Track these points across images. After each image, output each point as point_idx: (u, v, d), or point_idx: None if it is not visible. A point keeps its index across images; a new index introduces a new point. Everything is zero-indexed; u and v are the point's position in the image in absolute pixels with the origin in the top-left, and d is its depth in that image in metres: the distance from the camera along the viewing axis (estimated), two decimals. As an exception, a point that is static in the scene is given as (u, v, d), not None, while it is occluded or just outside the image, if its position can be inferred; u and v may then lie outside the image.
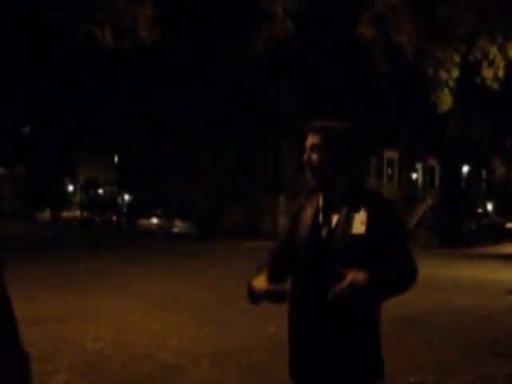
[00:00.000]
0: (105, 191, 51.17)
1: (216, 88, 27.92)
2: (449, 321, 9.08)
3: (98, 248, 22.59)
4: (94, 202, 46.73)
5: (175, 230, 32.14)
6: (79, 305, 9.75)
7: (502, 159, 45.03)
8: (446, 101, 23.11)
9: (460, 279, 14.74)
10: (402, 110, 30.90)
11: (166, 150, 36.32)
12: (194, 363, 6.25)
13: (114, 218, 38.37)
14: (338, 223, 2.57)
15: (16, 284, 8.99)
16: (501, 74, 22.43)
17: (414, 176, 42.74)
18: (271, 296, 2.55)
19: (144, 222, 34.41)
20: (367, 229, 2.49)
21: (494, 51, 22.17)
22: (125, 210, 41.85)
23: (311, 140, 2.61)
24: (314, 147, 2.60)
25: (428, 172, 43.68)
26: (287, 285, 2.61)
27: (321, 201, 2.67)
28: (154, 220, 34.00)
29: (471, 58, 22.58)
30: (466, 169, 45.24)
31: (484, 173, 47.71)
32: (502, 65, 22.19)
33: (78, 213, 44.09)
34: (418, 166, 42.59)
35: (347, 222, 2.54)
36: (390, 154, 38.49)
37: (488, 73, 22.44)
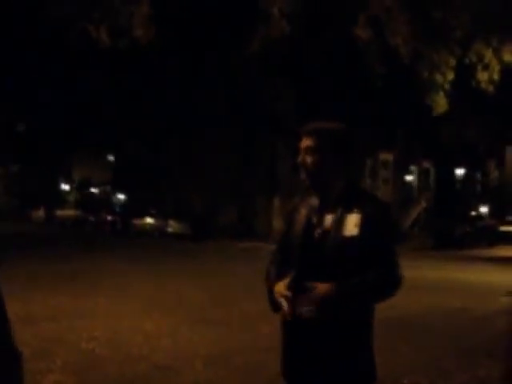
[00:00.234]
0: (99, 190, 51.14)
1: (215, 88, 27.92)
2: (442, 322, 9.11)
3: (92, 247, 22.56)
4: (89, 201, 46.69)
5: (169, 229, 32.14)
6: (73, 304, 9.72)
7: (497, 162, 45.19)
8: (441, 103, 23.15)
9: (453, 281, 14.78)
10: (398, 112, 30.97)
11: (163, 149, 36.28)
12: (188, 364, 6.24)
13: (109, 217, 38.34)
14: (331, 224, 2.57)
15: (10, 283, 8.99)
16: (496, 77, 22.49)
17: (409, 178, 42.86)
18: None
19: (138, 221, 34.40)
20: (360, 231, 2.50)
21: (489, 55, 22.21)
22: (119, 210, 41.83)
23: (305, 142, 2.62)
24: (308, 149, 2.61)
25: (423, 174, 43.80)
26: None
27: (315, 201, 2.67)
28: (149, 220, 33.98)
29: (466, 61, 22.64)
30: (460, 171, 45.36)
31: (478, 175, 47.86)
32: (497, 68, 22.24)
33: (72, 212, 44.03)
34: (413, 168, 42.72)
35: (340, 223, 2.54)
36: (385, 156, 38.59)
37: (483, 76, 22.49)
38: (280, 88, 26.78)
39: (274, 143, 30.40)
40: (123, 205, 44.51)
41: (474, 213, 42.58)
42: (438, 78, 22.13)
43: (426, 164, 43.05)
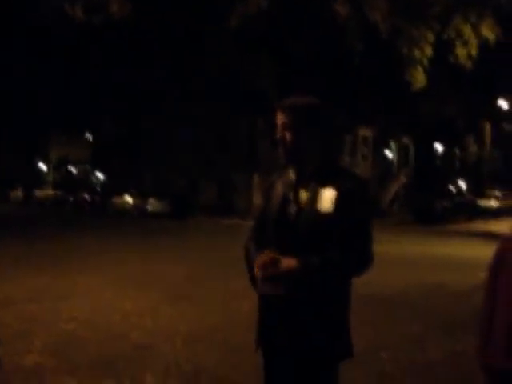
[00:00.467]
0: (78, 170, 50.69)
1: (191, 64, 27.63)
2: (421, 298, 9.19)
3: (71, 227, 22.41)
4: (67, 181, 46.27)
5: (149, 208, 32.00)
6: (52, 284, 9.65)
7: (475, 138, 45.52)
8: (419, 79, 23.23)
9: (432, 256, 14.92)
10: (377, 88, 30.96)
11: (141, 128, 35.98)
12: (167, 342, 6.24)
13: (88, 196, 38.06)
14: (306, 201, 2.55)
15: (-14, 264, 8.89)
16: (474, 52, 22.58)
17: (388, 154, 43.03)
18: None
19: (118, 200, 34.19)
20: (335, 208, 2.48)
21: (467, 30, 22.30)
22: (98, 189, 41.53)
23: (282, 118, 2.59)
24: (285, 125, 2.58)
25: (402, 150, 44.00)
26: None
27: (292, 177, 2.65)
28: (128, 198, 33.78)
29: (445, 36, 22.68)
30: (439, 147, 45.66)
31: (457, 151, 48.20)
32: (475, 44, 22.33)
33: (50, 192, 43.65)
34: (392, 144, 42.86)
35: (315, 199, 2.52)
36: (365, 132, 38.67)
37: (461, 51, 22.60)
38: (259, 64, 26.60)
39: (254, 120, 30.29)
40: (102, 184, 44.20)
41: (452, 188, 42.97)
42: (417, 53, 22.19)
43: (406, 140, 43.24)
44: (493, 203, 36.95)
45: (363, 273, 2.52)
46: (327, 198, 2.50)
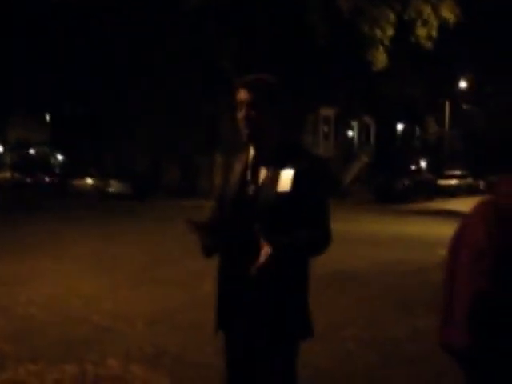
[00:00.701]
0: (37, 151, 49.72)
1: (152, 42, 27.22)
2: (381, 276, 9.29)
3: (30, 210, 22.01)
4: (26, 163, 45.30)
5: (111, 189, 31.61)
6: (10, 269, 9.44)
7: (436, 118, 46.13)
8: (380, 59, 23.43)
9: (393, 235, 15.11)
10: (339, 68, 31.02)
11: (100, 108, 35.38)
12: (128, 324, 6.18)
13: (47, 178, 37.39)
14: (264, 180, 2.53)
15: None
16: (434, 33, 22.84)
17: (350, 133, 43.34)
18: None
19: (78, 182, 33.68)
20: (293, 187, 2.46)
21: (427, 11, 22.51)
22: (58, 171, 40.83)
23: (242, 95, 2.55)
24: (245, 102, 2.54)
25: (364, 130, 44.35)
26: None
27: (250, 157, 2.62)
28: (89, 180, 33.31)
29: (406, 17, 22.84)
30: (400, 127, 46.15)
31: (418, 131, 48.81)
32: (435, 24, 22.58)
33: (8, 174, 42.71)
34: (354, 123, 43.16)
35: (274, 179, 2.50)
36: (326, 112, 38.78)
37: (422, 32, 22.86)
38: (220, 44, 26.38)
39: (215, 100, 30.05)
40: (62, 166, 43.48)
41: (413, 167, 43.54)
42: (378, 33, 22.33)
43: (367, 119, 43.57)
44: (452, 182, 37.59)
45: (324, 251, 2.51)
46: (285, 177, 2.48)
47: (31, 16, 25.57)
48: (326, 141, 39.13)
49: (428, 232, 15.70)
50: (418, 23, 21.66)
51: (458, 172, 38.85)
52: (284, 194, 2.46)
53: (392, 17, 21.56)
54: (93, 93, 33.76)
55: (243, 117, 2.54)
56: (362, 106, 38.38)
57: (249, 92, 2.53)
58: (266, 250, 2.34)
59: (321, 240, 2.49)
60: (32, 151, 50.03)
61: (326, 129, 39.71)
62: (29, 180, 38.72)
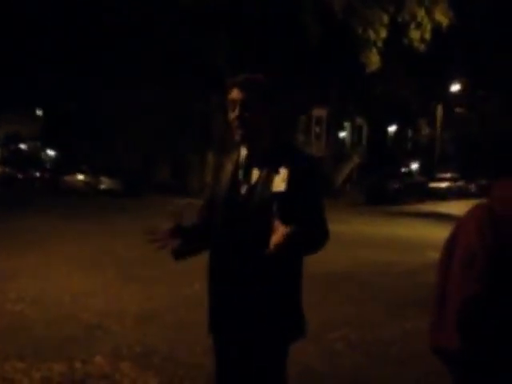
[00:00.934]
0: (28, 146, 49.45)
1: (144, 37, 27.14)
2: (371, 277, 9.31)
3: (19, 205, 21.90)
4: (17, 158, 45.01)
5: (102, 186, 31.49)
6: (-1, 265, 9.40)
7: (428, 120, 46.27)
8: (373, 61, 23.47)
9: (383, 236, 15.15)
10: (331, 68, 31.07)
11: (93, 104, 35.25)
12: (117, 322, 6.16)
13: (38, 174, 37.19)
14: (257, 180, 2.51)
15: None
16: (427, 36, 22.91)
17: (342, 134, 43.40)
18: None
19: (69, 178, 33.51)
20: (288, 186, 2.45)
21: (421, 13, 22.56)
22: (49, 166, 40.61)
23: (235, 95, 2.54)
24: (237, 102, 2.52)
25: (356, 131, 44.43)
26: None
27: (242, 157, 2.61)
28: (80, 176, 33.17)
29: (399, 19, 22.90)
30: (392, 129, 46.27)
31: (410, 133, 48.94)
32: (428, 27, 22.64)
33: (-2, 169, 42.42)
34: (346, 124, 43.23)
35: (268, 178, 2.49)
36: (319, 112, 38.83)
37: (415, 35, 22.91)
38: (213, 41, 26.36)
39: (208, 99, 30.02)
40: (53, 161, 43.28)
41: (404, 169, 43.66)
42: (371, 34, 22.37)
43: (359, 121, 43.65)
44: (443, 185, 37.70)
45: (321, 248, 2.50)
46: (279, 176, 2.47)
47: (25, 11, 25.43)
48: (318, 141, 39.18)
49: (419, 234, 15.75)
50: (412, 26, 21.73)
51: (449, 175, 38.97)
52: (278, 194, 2.45)
53: (385, 19, 21.62)
54: (86, 90, 33.65)
55: (236, 117, 2.53)
56: (354, 107, 38.46)
57: (241, 92, 2.52)
58: (283, 230, 2.27)
59: (319, 237, 2.47)
60: (23, 146, 49.76)
61: (318, 129, 39.75)
62: (20, 176, 38.47)
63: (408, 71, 32.66)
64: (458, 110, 45.72)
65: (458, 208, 16.91)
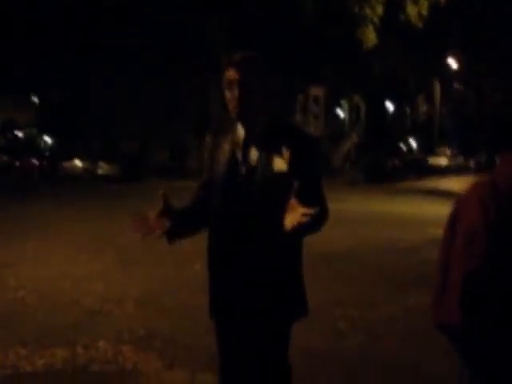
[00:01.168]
0: (25, 133, 49.27)
1: (139, 23, 26.96)
2: (372, 255, 9.31)
3: (18, 192, 21.88)
4: (14, 145, 44.90)
5: (99, 171, 31.48)
6: (0, 253, 9.38)
7: (426, 97, 46.10)
8: (370, 38, 23.31)
9: (383, 214, 15.13)
10: (328, 46, 30.87)
11: (89, 88, 35.05)
12: (119, 307, 6.15)
13: (36, 161, 37.13)
14: (258, 161, 2.47)
15: None
16: (424, 12, 22.73)
17: (340, 113, 43.25)
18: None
19: (67, 164, 33.50)
20: (289, 166, 2.41)
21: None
22: (47, 153, 40.53)
23: (231, 74, 2.48)
24: (234, 82, 2.47)
25: (354, 109, 44.26)
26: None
27: (240, 136, 2.56)
28: (78, 162, 33.14)
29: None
30: (390, 106, 46.10)
31: (408, 110, 48.77)
32: (426, 3, 22.43)
33: (-5, 157, 42.33)
34: (344, 103, 43.05)
35: (268, 159, 2.44)
36: (316, 91, 38.65)
37: (412, 10, 22.72)
38: (209, 24, 26.17)
39: (206, 79, 29.82)
40: (51, 148, 43.18)
41: (403, 146, 43.59)
42: (368, 11, 22.18)
43: (357, 99, 43.46)
44: (442, 161, 37.66)
45: (321, 228, 2.46)
46: (280, 156, 2.43)
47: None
48: (315, 120, 39.04)
49: (418, 211, 15.75)
50: (409, 1, 21.54)
51: (447, 151, 38.92)
52: (280, 174, 2.41)
53: (382, -5, 21.42)
54: (83, 75, 33.46)
55: (233, 96, 2.48)
56: (351, 85, 38.27)
57: (237, 71, 2.47)
58: (303, 210, 2.18)
59: (321, 216, 2.43)
60: (20, 134, 49.58)
61: (315, 109, 39.59)
62: (17, 163, 38.41)
63: (405, 48, 32.46)
64: (455, 85, 45.53)
65: (457, 184, 16.91)
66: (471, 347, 2.02)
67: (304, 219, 2.17)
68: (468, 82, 42.95)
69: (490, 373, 2.01)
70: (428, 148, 40.84)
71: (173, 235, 2.60)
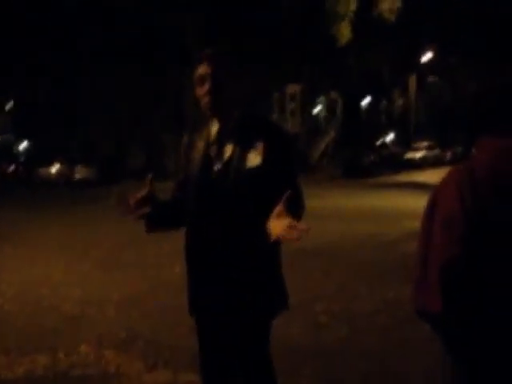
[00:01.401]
0: (2, 139, 48.63)
1: (114, 21, 26.76)
2: (351, 249, 9.37)
3: (-5, 199, 21.61)
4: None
5: (77, 176, 31.21)
6: (-24, 259, 9.27)
7: (401, 91, 46.37)
8: (344, 34, 23.43)
9: (361, 209, 15.20)
10: (303, 44, 30.93)
11: (63, 92, 34.69)
12: (99, 311, 6.12)
13: (12, 167, 36.69)
14: (232, 156, 2.46)
15: None
16: (397, 5, 22.87)
17: (317, 109, 43.35)
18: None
19: (44, 169, 33.14)
20: (264, 160, 2.40)
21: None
22: (22, 159, 40.06)
23: (203, 69, 2.47)
24: (206, 76, 2.46)
25: (330, 105, 44.38)
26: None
27: (213, 133, 2.55)
28: (55, 167, 32.81)
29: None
30: (367, 101, 46.31)
31: (384, 104, 49.03)
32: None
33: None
34: (321, 99, 43.15)
35: (242, 153, 2.43)
36: (293, 89, 38.68)
37: (385, 5, 22.87)
38: (184, 21, 26.10)
39: (180, 78, 29.68)
40: (27, 153, 42.69)
41: (380, 141, 43.80)
42: (341, 8, 22.29)
43: (333, 95, 43.58)
44: (419, 154, 37.89)
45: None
46: (254, 150, 2.42)
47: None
48: (293, 117, 39.08)
49: (396, 205, 15.83)
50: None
51: (424, 144, 39.16)
52: (255, 169, 2.40)
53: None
54: (55, 79, 33.11)
55: (206, 91, 2.47)
56: (327, 81, 38.36)
57: (209, 66, 2.46)
58: (292, 223, 2.16)
59: (299, 209, 2.43)
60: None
61: (292, 105, 39.63)
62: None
63: (379, 41, 32.61)
64: (430, 78, 45.86)
65: (434, 176, 17.02)
66: (452, 335, 2.04)
67: (291, 233, 2.16)
68: (442, 74, 43.27)
69: (470, 360, 2.03)
70: (405, 141, 41.07)
71: (152, 223, 2.59)
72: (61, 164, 32.60)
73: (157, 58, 28.41)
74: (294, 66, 33.34)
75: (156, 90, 30.97)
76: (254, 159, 2.41)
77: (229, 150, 2.47)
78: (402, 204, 15.57)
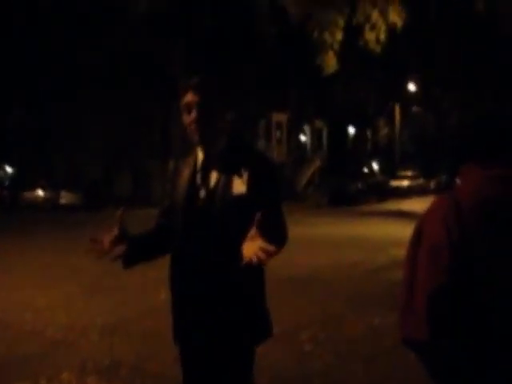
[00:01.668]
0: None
1: (103, 47, 26.86)
2: (336, 276, 9.36)
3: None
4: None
5: (62, 201, 31.00)
6: (-42, 284, 9.15)
7: (386, 120, 46.89)
8: (330, 64, 23.68)
9: (347, 237, 15.22)
10: (290, 73, 31.25)
11: (49, 117, 34.63)
12: (82, 336, 6.05)
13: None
14: (217, 183, 2.48)
15: None
16: (382, 37, 23.23)
17: (303, 138, 43.62)
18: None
19: (28, 194, 32.88)
20: (248, 189, 2.42)
21: (375, 15, 22.89)
22: (7, 183, 39.77)
23: (189, 98, 2.50)
24: (193, 105, 2.48)
25: (316, 134, 44.70)
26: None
27: (199, 160, 2.57)
28: (40, 192, 32.59)
29: (354, 21, 23.17)
30: (352, 130, 46.73)
31: (369, 133, 49.48)
32: (383, 28, 22.95)
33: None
34: (306, 128, 43.46)
35: (228, 181, 2.45)
36: (279, 117, 38.96)
37: (370, 36, 23.21)
38: (171, 49, 26.28)
39: (167, 105, 29.79)
40: (11, 177, 42.41)
41: (365, 170, 44.08)
42: (327, 37, 22.56)
43: (319, 123, 43.93)
44: (404, 183, 38.19)
45: (279, 252, 2.47)
46: (239, 179, 2.44)
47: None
48: (279, 146, 39.29)
49: (381, 233, 15.89)
50: (367, 27, 21.98)
51: (409, 173, 39.50)
52: (240, 197, 2.42)
53: (341, 21, 21.82)
54: (40, 104, 33.09)
55: (193, 120, 2.49)
56: (313, 110, 38.71)
57: (196, 94, 2.48)
58: (263, 245, 2.15)
59: (280, 240, 2.45)
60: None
61: (278, 134, 39.87)
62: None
63: (365, 72, 33.03)
64: (414, 108, 46.42)
65: (419, 205, 17.13)
66: (438, 363, 2.04)
67: (262, 256, 2.15)
68: (426, 104, 43.84)
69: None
70: (390, 170, 41.39)
71: (128, 260, 2.59)
72: (42, 189, 32.37)
73: (144, 84, 28.54)
74: (280, 95, 33.63)
75: (143, 116, 31.05)
76: (238, 187, 2.42)
77: (214, 177, 2.49)
78: (388, 232, 15.64)
